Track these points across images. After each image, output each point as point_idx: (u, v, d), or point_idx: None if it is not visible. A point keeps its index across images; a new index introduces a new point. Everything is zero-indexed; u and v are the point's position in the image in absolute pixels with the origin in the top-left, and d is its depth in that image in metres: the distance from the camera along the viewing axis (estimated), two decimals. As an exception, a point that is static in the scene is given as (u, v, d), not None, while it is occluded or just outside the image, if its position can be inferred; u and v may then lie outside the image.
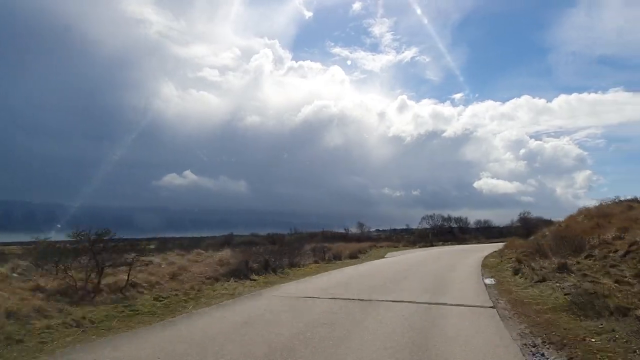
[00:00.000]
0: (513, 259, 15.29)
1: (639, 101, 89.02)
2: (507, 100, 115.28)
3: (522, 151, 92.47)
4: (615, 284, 7.58)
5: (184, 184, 72.23)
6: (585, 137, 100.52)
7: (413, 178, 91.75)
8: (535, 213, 55.56)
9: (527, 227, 40.51)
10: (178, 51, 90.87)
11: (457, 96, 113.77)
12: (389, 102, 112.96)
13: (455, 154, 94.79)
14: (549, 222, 45.54)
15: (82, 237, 8.56)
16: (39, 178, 73.41)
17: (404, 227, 57.38)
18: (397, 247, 34.05)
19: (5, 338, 5.17)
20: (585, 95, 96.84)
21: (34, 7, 67.75)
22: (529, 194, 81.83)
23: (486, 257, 21.44)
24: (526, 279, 10.30)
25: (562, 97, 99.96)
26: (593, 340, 4.84)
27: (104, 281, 8.59)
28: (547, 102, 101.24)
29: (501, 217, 79.60)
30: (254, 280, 11.19)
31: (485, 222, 57.03)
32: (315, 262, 16.57)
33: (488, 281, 10.90)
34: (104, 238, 8.78)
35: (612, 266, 9.04)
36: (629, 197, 26.26)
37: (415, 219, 59.88)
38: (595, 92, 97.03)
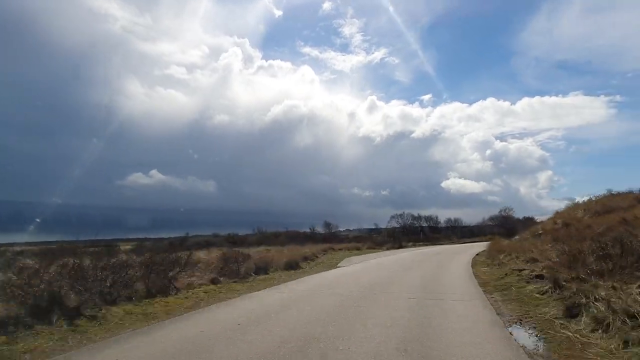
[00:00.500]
0: (528, 272, 9.57)
1: (597, 105, 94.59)
2: (474, 102, 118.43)
3: (488, 152, 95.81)
4: None
5: (150, 183, 72.01)
6: (547, 138, 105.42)
7: (382, 178, 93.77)
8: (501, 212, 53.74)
9: (507, 226, 36.67)
10: (144, 47, 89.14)
11: (426, 97, 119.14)
12: (359, 102, 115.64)
13: (424, 155, 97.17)
14: (530, 220, 41.93)
15: None
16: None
17: (373, 226, 54.44)
18: (360, 249, 28.10)
19: None
20: (547, 98, 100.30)
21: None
22: (495, 193, 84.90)
23: (473, 263, 15.84)
24: (611, 334, 4.40)
25: (526, 100, 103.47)
26: None
27: None
28: (511, 104, 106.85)
29: (469, 217, 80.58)
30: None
31: (456, 220, 55.44)
32: (213, 281, 10.00)
33: (530, 345, 4.77)
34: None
35: None
36: (628, 190, 22.18)
37: (384, 218, 56.84)
38: (556, 96, 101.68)
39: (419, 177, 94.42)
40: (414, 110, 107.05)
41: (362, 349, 4.40)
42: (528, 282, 8.48)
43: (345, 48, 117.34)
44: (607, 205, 19.86)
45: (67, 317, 5.74)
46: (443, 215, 57.83)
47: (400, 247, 33.98)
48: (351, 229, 56.70)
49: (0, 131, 74.98)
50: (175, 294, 8.47)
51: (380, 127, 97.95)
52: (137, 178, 76.14)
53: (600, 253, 7.86)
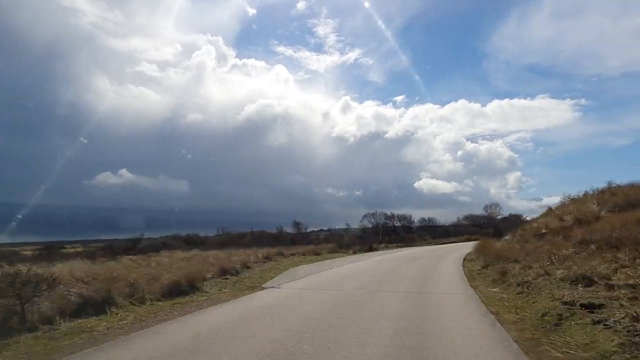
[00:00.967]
0: (602, 310, 4.27)
1: (563, 108, 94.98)
2: (446, 103, 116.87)
3: (460, 153, 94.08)
4: None
5: (119, 183, 66.52)
6: (516, 140, 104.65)
7: (356, 178, 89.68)
8: (473, 212, 51.89)
9: (492, 225, 32.55)
10: (113, 44, 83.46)
11: (399, 98, 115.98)
12: (333, 102, 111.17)
13: (397, 155, 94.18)
14: (518, 218, 37.99)
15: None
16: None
17: (344, 226, 50.92)
18: (319, 253, 22.41)
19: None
20: (516, 100, 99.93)
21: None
22: (466, 194, 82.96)
23: (470, 277, 10.54)
24: None
25: (495, 102, 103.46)
26: None
27: None
28: (482, 106, 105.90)
29: (442, 216, 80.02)
30: None
31: (430, 220, 52.99)
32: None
33: None
34: None
35: None
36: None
37: (358, 218, 52.69)
38: (525, 99, 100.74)
39: (392, 177, 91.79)
40: (388, 110, 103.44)
41: None
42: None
43: (319, 48, 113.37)
44: (631, 198, 15.28)
45: None
46: (416, 215, 54.24)
47: (370, 249, 28.65)
48: (325, 228, 53.46)
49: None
50: None
51: (354, 127, 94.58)
52: (106, 177, 70.68)
53: None
